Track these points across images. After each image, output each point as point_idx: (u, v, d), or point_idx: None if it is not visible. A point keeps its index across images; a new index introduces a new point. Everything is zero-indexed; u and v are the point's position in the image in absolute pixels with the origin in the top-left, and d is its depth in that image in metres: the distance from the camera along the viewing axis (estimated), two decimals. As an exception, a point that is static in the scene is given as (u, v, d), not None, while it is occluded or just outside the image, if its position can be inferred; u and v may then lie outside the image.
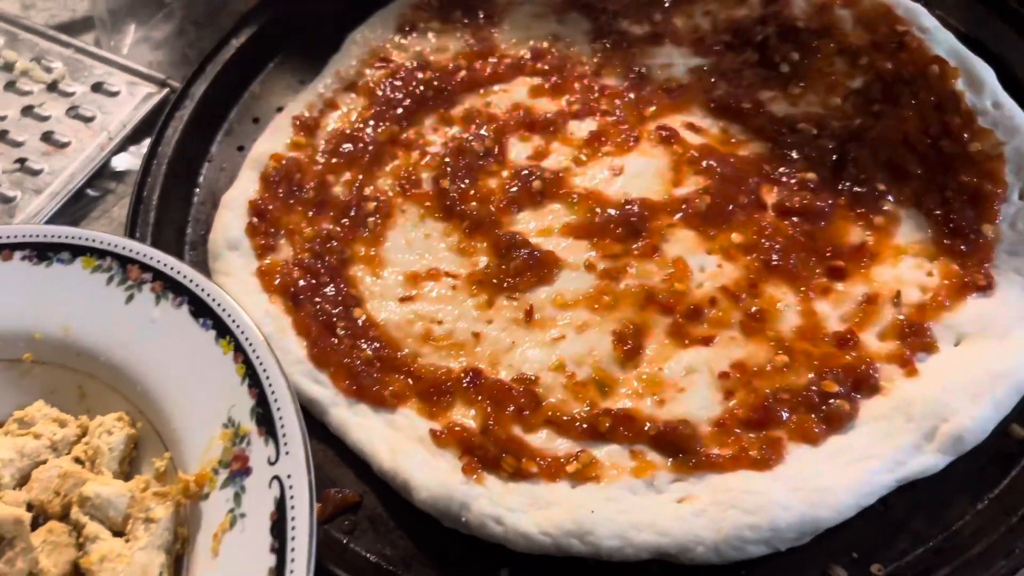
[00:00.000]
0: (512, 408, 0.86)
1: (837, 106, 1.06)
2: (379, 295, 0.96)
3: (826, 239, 0.96)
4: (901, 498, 0.80)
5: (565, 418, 0.85)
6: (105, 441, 0.83)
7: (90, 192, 1.14)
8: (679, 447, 0.82)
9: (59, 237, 0.90)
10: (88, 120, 1.19)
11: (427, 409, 0.87)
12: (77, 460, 0.83)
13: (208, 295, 0.85)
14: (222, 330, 0.83)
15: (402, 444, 0.85)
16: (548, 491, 0.80)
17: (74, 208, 1.13)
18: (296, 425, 0.75)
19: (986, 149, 0.98)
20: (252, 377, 0.79)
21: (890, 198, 0.97)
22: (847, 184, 0.99)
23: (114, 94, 1.22)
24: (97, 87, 1.23)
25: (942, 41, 1.09)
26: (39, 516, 0.79)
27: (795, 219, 0.97)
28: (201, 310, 0.84)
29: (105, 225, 1.12)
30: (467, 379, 0.88)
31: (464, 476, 0.81)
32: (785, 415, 0.83)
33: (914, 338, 0.87)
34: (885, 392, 0.84)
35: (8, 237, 0.90)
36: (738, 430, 0.83)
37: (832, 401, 0.83)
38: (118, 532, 0.77)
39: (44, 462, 0.82)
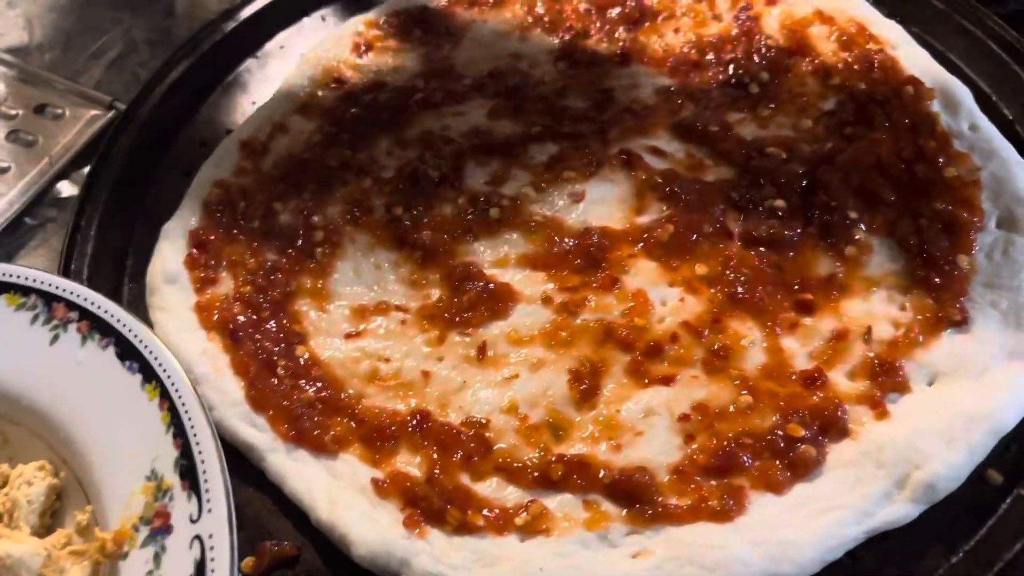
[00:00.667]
0: (460, 454, 0.81)
1: (808, 128, 1.02)
2: (324, 331, 0.91)
3: (794, 270, 0.91)
4: (871, 550, 0.75)
5: (516, 465, 0.80)
6: (24, 493, 0.78)
7: (28, 220, 1.09)
8: (635, 497, 0.77)
9: (-20, 272, 0.86)
10: (29, 144, 1.15)
11: (370, 455, 0.82)
12: (-5, 512, 0.78)
13: (135, 336, 0.80)
14: (148, 374, 0.78)
15: (342, 494, 0.80)
16: (495, 546, 0.76)
17: (10, 238, 1.08)
18: (220, 480, 0.71)
19: (962, 174, 0.94)
20: (177, 426, 0.74)
21: (862, 227, 0.93)
22: (817, 212, 0.94)
23: (58, 117, 1.17)
24: (40, 109, 1.18)
25: (918, 60, 1.06)
26: (-51, 576, 0.74)
27: (762, 249, 0.92)
28: (128, 352, 0.80)
29: (44, 255, 1.07)
30: (413, 422, 0.83)
31: (406, 530, 0.76)
32: (748, 461, 0.79)
33: (885, 377, 0.82)
34: (854, 436, 0.80)
35: (-72, 273, 0.86)
36: (698, 478, 0.78)
37: (798, 446, 0.79)
38: (31, 594, 0.72)
39: (-41, 515, 0.77)
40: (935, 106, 1.00)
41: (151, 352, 0.79)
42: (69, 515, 0.79)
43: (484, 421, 0.83)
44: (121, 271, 1.00)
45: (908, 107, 1.00)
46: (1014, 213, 0.91)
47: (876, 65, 1.05)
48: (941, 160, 0.95)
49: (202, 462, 0.72)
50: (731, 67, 1.09)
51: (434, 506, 0.77)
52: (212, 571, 0.66)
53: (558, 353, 0.88)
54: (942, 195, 0.93)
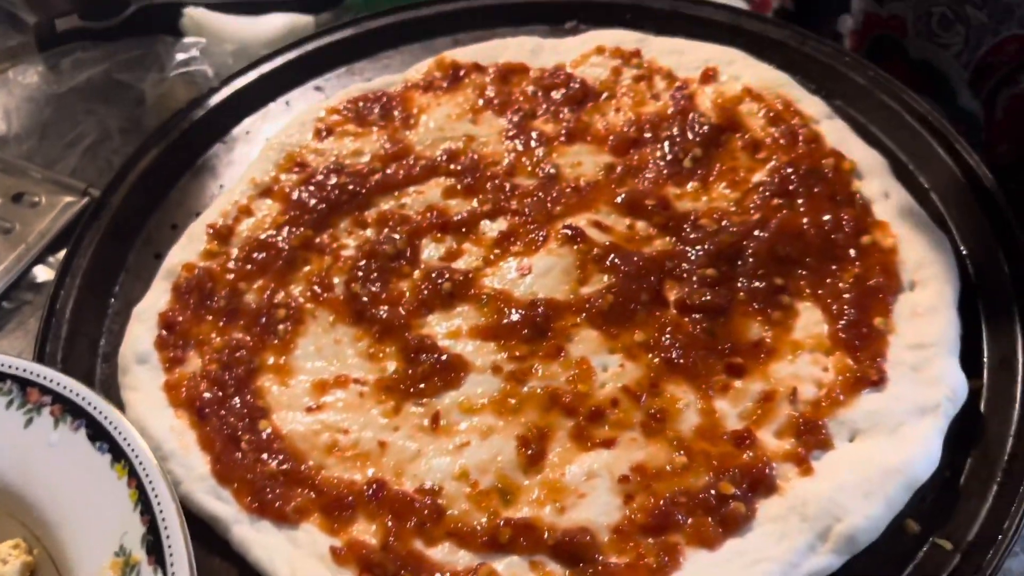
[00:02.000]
0: (414, 521, 0.86)
1: (738, 200, 1.09)
2: (286, 405, 0.97)
3: (726, 335, 0.97)
4: (798, 600, 0.80)
5: (467, 529, 0.85)
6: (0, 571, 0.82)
7: (5, 304, 1.15)
8: (578, 556, 0.82)
9: (-42, 360, 0.90)
10: (7, 232, 1.20)
11: (329, 524, 0.87)
12: (-28, 591, 0.82)
13: (105, 418, 0.85)
14: (117, 454, 0.83)
15: (303, 562, 0.84)
16: (447, 608, 0.80)
17: (-11, 322, 1.13)
18: (184, 555, 0.75)
19: (878, 240, 1.01)
20: (144, 503, 0.79)
21: (787, 293, 0.99)
22: (745, 280, 1.01)
23: (35, 204, 1.23)
24: (18, 198, 1.24)
25: (839, 133, 1.14)
26: (-74, 656, 0.78)
27: (696, 316, 0.99)
28: (98, 433, 0.84)
29: (21, 338, 1.12)
30: (370, 491, 0.88)
31: (362, 597, 0.81)
32: (683, 519, 0.84)
33: (809, 435, 0.88)
34: (781, 491, 0.85)
35: (-94, 362, 0.90)
36: (636, 536, 0.83)
37: (729, 503, 0.84)
38: (4, 671, 0.76)
39: (-64, 595, 0.81)
40: (853, 176, 1.08)
41: (120, 433, 0.84)
42: (42, 591, 0.83)
43: (437, 488, 0.88)
44: (95, 352, 1.05)
45: (829, 178, 1.07)
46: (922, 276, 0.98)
47: (801, 139, 1.13)
48: (859, 228, 1.02)
49: (167, 537, 0.76)
50: (667, 144, 1.16)
51: (389, 572, 0.82)
52: (176, 642, 0.71)
53: (507, 420, 0.93)
54: (861, 261, 1.00)
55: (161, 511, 0.78)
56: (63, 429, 0.86)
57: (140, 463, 0.81)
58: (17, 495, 0.85)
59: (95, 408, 0.86)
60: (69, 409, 0.86)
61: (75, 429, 0.85)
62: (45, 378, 0.88)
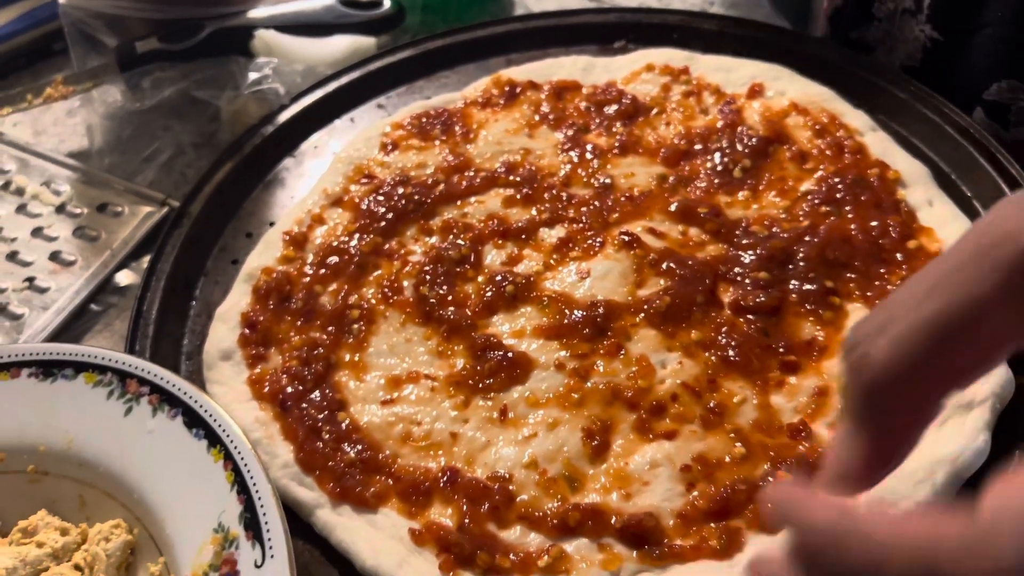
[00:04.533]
0: (487, 506, 0.91)
1: (787, 208, 1.15)
2: (362, 399, 1.02)
3: (779, 335, 1.02)
4: (855, 582, 0.84)
5: (537, 514, 0.90)
6: (103, 548, 0.88)
7: (93, 307, 1.22)
8: (644, 539, 0.87)
9: (62, 354, 0.97)
10: (93, 239, 1.28)
11: (407, 508, 0.93)
12: (77, 567, 0.88)
13: (201, 406, 0.91)
14: (213, 439, 0.89)
15: (383, 543, 0.89)
16: (521, 585, 0.85)
17: (78, 323, 1.20)
18: (280, 529, 0.81)
19: (924, 245, 1.06)
20: (240, 484, 0.85)
21: (837, 294, 1.04)
22: (796, 282, 1.05)
23: (118, 214, 1.31)
24: (102, 208, 1.32)
25: (883, 145, 1.19)
26: (40, 624, 0.84)
27: (750, 316, 1.04)
28: (194, 421, 0.90)
29: (107, 338, 1.19)
30: (444, 478, 0.94)
31: (441, 573, 0.86)
32: (744, 506, 0.88)
33: (862, 428, 0.92)
34: (837, 480, 0.89)
35: (15, 356, 0.97)
36: (699, 521, 0.88)
37: (787, 490, 0.88)
38: (114, 639, 0.82)
39: (46, 569, 0.87)
40: (898, 186, 1.13)
41: (215, 420, 0.90)
42: (142, 567, 0.89)
43: (507, 475, 0.94)
44: (178, 350, 1.12)
45: (874, 187, 1.13)
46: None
47: (846, 150, 1.18)
48: (905, 234, 1.07)
49: (264, 514, 0.82)
50: (717, 155, 1.22)
51: (465, 551, 0.87)
52: (276, 609, 0.76)
53: (571, 413, 0.98)
54: (907, 264, 1.05)
55: (257, 490, 0.84)
56: (160, 417, 0.92)
57: (235, 447, 0.87)
58: (118, 478, 0.91)
59: (191, 397, 0.92)
60: (166, 399, 0.93)
61: (172, 417, 0.92)
62: (143, 370, 0.95)
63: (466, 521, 0.90)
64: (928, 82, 1.24)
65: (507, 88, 1.36)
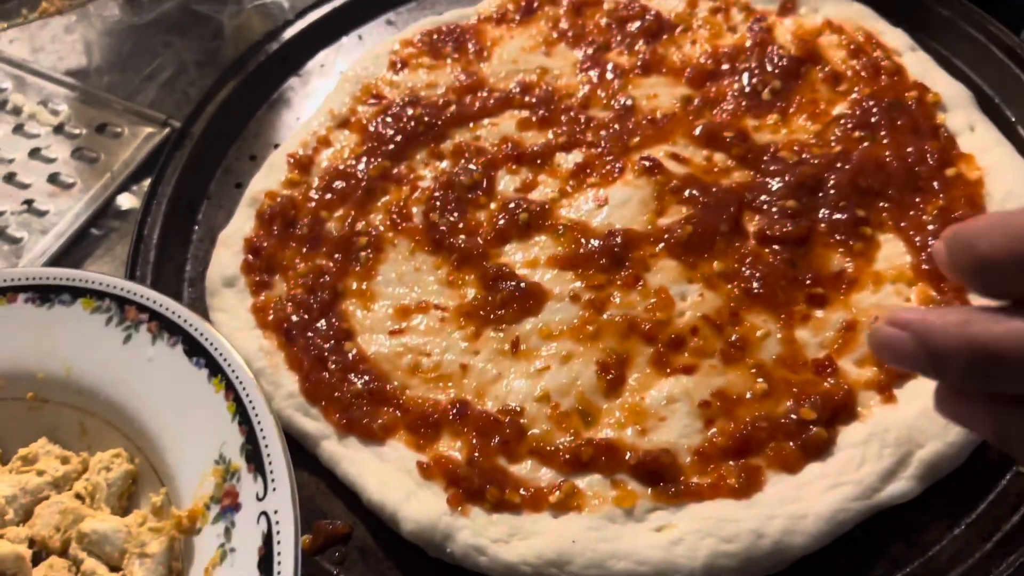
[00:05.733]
0: (497, 439, 0.88)
1: (818, 132, 1.08)
2: (370, 328, 0.99)
3: (806, 267, 0.97)
4: (878, 524, 0.81)
5: (549, 448, 0.87)
6: (104, 477, 0.86)
7: (94, 231, 1.18)
8: (659, 476, 0.84)
9: (60, 279, 0.94)
10: (92, 161, 1.24)
11: (415, 441, 0.90)
12: (78, 496, 0.86)
13: (201, 335, 0.88)
14: (214, 369, 0.86)
15: (390, 476, 0.87)
16: (531, 521, 0.83)
17: (78, 247, 1.16)
18: (283, 461, 0.78)
19: (963, 173, 1.00)
20: (242, 415, 0.82)
21: (869, 224, 0.99)
22: (827, 211, 1.00)
23: (117, 135, 1.26)
24: (101, 128, 1.27)
25: (922, 66, 1.11)
26: (40, 551, 0.82)
27: (776, 247, 0.99)
28: (195, 349, 0.87)
29: (108, 263, 1.15)
30: (454, 411, 0.91)
31: (449, 508, 0.83)
32: (764, 443, 0.85)
33: (891, 364, 0.88)
34: (862, 418, 0.86)
35: (12, 280, 0.94)
36: (717, 458, 0.85)
37: (810, 429, 0.85)
38: (115, 567, 0.80)
39: (47, 498, 0.85)
40: (938, 109, 1.06)
41: (216, 349, 0.86)
42: (144, 498, 0.87)
43: (519, 409, 0.90)
44: (181, 276, 1.09)
45: (912, 111, 1.06)
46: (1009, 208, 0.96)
47: (882, 71, 1.11)
48: (944, 160, 1.01)
49: (266, 446, 0.79)
50: (745, 76, 1.15)
51: (474, 486, 0.84)
52: (279, 543, 0.74)
53: (586, 346, 0.94)
54: (945, 193, 0.99)
55: (259, 421, 0.81)
56: (160, 345, 0.89)
57: (237, 377, 0.84)
58: (118, 407, 0.89)
59: (191, 325, 0.88)
60: (166, 326, 0.89)
61: (172, 345, 0.88)
62: (142, 296, 0.91)
63: (476, 455, 0.87)
64: (974, -1, 1.17)
65: (524, 3, 1.29)
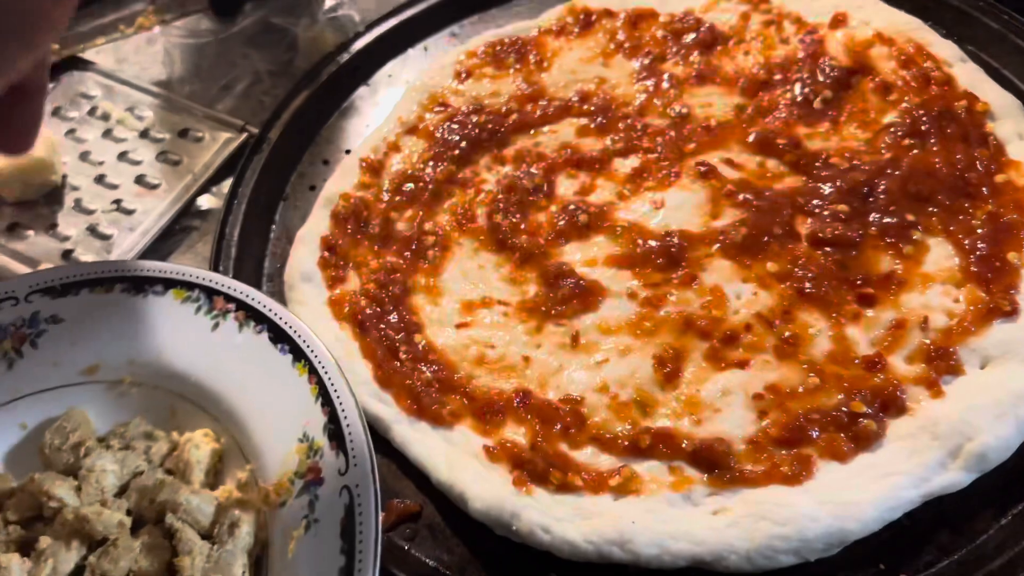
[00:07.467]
0: (559, 426, 0.93)
1: (869, 140, 1.12)
2: (437, 322, 1.05)
3: (857, 268, 1.01)
4: (927, 512, 0.84)
5: (608, 436, 0.92)
6: (193, 455, 0.92)
7: (177, 229, 1.26)
8: (715, 463, 0.88)
9: (153, 271, 1.01)
10: (175, 164, 1.32)
11: (481, 427, 0.95)
12: (169, 471, 0.93)
13: (285, 323, 0.94)
14: (297, 354, 0.92)
15: (458, 459, 0.92)
16: (592, 503, 0.87)
17: (163, 244, 1.24)
18: (363, 440, 0.84)
19: (1012, 179, 1.03)
20: (324, 397, 0.88)
21: (919, 228, 1.02)
22: (877, 215, 1.04)
23: (198, 139, 1.34)
24: (183, 133, 1.35)
25: (972, 76, 1.14)
26: (138, 521, 0.89)
27: (827, 249, 1.02)
28: (279, 336, 0.94)
29: (191, 259, 1.23)
30: (517, 399, 0.96)
31: (515, 488, 0.88)
32: (815, 434, 0.89)
33: (940, 361, 0.91)
34: (912, 412, 0.89)
35: (109, 272, 1.01)
36: (770, 448, 0.89)
37: (860, 421, 0.88)
38: (206, 536, 0.86)
39: (141, 473, 0.92)
40: (987, 118, 1.09)
41: (299, 336, 0.93)
42: (230, 474, 0.93)
43: (579, 398, 0.95)
44: (259, 272, 1.15)
45: (961, 120, 1.09)
46: (1060, 214, 0.99)
47: (932, 82, 1.14)
48: (993, 167, 1.04)
49: (347, 425, 0.85)
50: (798, 86, 1.19)
51: (538, 468, 0.89)
52: (360, 514, 0.79)
53: (643, 341, 0.99)
54: (994, 198, 1.02)
55: (340, 402, 0.87)
56: (247, 332, 0.95)
57: (319, 361, 0.90)
58: (207, 390, 0.95)
59: (276, 314, 0.95)
60: (252, 315, 0.96)
61: (257, 332, 0.95)
62: (229, 287, 0.98)
63: (539, 440, 0.92)
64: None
65: (582, 16, 1.35)
